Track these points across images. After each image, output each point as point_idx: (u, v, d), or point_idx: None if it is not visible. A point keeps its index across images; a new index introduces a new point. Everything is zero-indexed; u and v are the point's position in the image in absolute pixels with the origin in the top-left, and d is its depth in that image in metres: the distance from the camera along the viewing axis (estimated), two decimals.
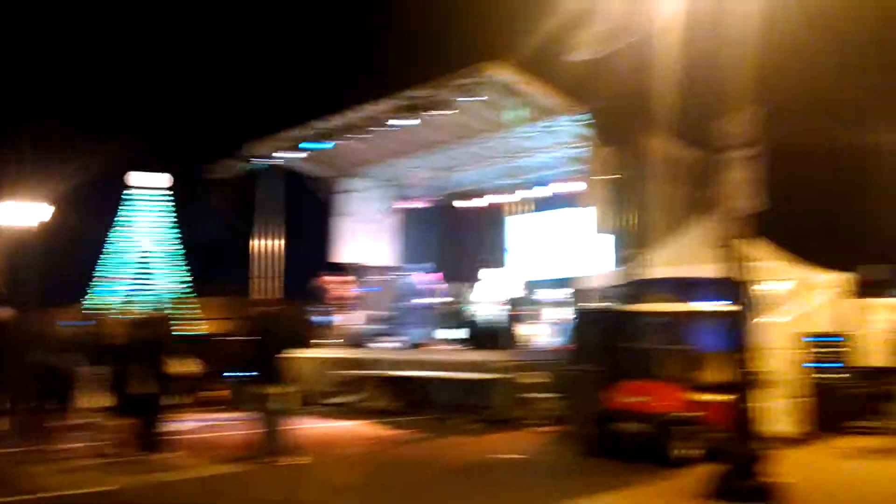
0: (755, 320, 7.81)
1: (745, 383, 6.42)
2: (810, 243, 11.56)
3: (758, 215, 6.25)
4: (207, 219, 17.34)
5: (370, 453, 9.24)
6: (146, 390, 8.42)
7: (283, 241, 17.13)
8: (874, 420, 10.44)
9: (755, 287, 9.58)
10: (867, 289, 12.73)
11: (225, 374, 15.93)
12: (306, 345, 15.16)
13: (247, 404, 12.44)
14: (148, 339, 8.42)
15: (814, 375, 10.12)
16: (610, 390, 8.90)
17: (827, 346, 10.07)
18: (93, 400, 11.59)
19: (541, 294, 15.46)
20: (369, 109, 14.01)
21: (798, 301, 10.92)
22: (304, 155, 15.96)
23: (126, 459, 8.28)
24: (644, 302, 10.73)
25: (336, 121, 14.66)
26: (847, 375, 10.26)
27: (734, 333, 6.42)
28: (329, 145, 15.31)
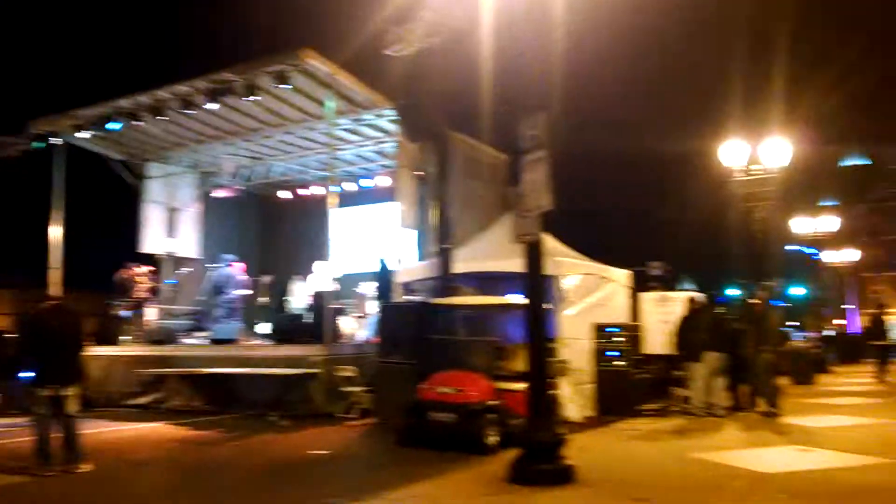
0: (552, 312, 8.36)
1: (541, 372, 6.81)
2: (599, 241, 12.58)
3: (550, 214, 6.64)
4: None
5: (172, 456, 8.73)
6: None
7: (75, 228, 15.70)
8: (657, 404, 11.57)
9: (552, 281, 10.26)
10: (650, 284, 14.09)
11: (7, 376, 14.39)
12: (103, 342, 14.05)
13: (27, 408, 11.34)
14: None
15: (602, 364, 11.00)
16: (421, 382, 9.11)
17: (614, 336, 10.98)
18: None
19: (357, 287, 15.48)
20: (176, 90, 13.21)
21: (588, 294, 11.82)
22: (98, 135, 14.74)
23: None
24: (452, 295, 11.10)
25: (139, 100, 13.67)
26: (632, 363, 11.25)
27: (533, 325, 6.78)
28: (126, 125, 14.25)
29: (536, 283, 6.87)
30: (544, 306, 6.99)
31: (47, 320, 7.71)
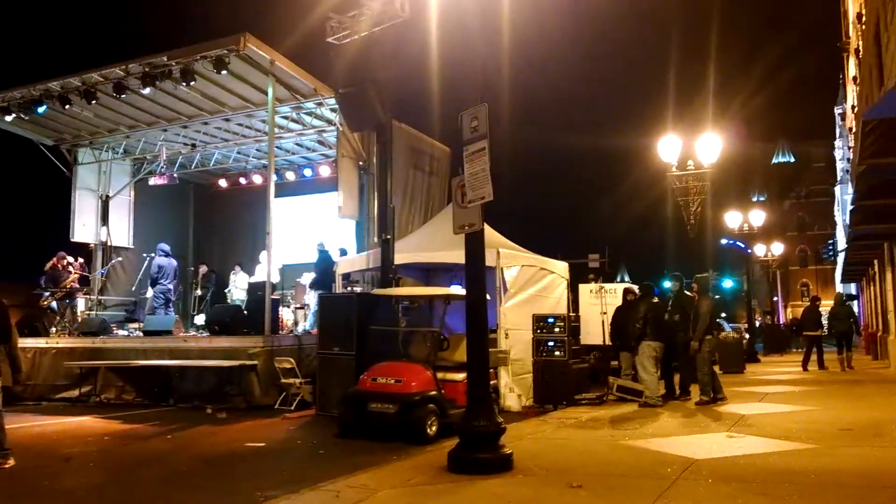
0: (493, 303, 8.41)
1: (480, 362, 6.85)
2: (539, 234, 12.71)
3: (491, 205, 6.67)
4: None
5: (102, 450, 8.46)
6: None
7: (3, 217, 15.10)
8: (594, 393, 11.79)
9: (493, 272, 10.33)
10: (589, 275, 14.34)
11: None
12: (30, 333, 13.54)
13: None
14: None
15: (541, 354, 11.14)
16: (361, 372, 9.07)
17: (553, 327, 11.12)
18: None
19: (298, 278, 15.32)
20: (108, 73, 12.81)
21: (529, 286, 11.95)
22: (24, 118, 14.17)
23: None
24: (394, 286, 11.08)
25: (70, 82, 13.21)
26: (571, 353, 11.41)
27: (472, 315, 6.81)
28: (54, 109, 13.75)
29: (477, 273, 6.89)
30: (485, 297, 7.00)
31: None
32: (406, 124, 14.45)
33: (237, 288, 16.00)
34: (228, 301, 15.56)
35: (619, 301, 12.31)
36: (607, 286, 13.58)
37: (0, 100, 13.92)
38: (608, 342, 12.30)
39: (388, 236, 11.43)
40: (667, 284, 12.74)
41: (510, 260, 11.47)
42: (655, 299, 11.92)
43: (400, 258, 11.65)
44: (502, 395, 10.61)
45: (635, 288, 12.57)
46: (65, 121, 15.32)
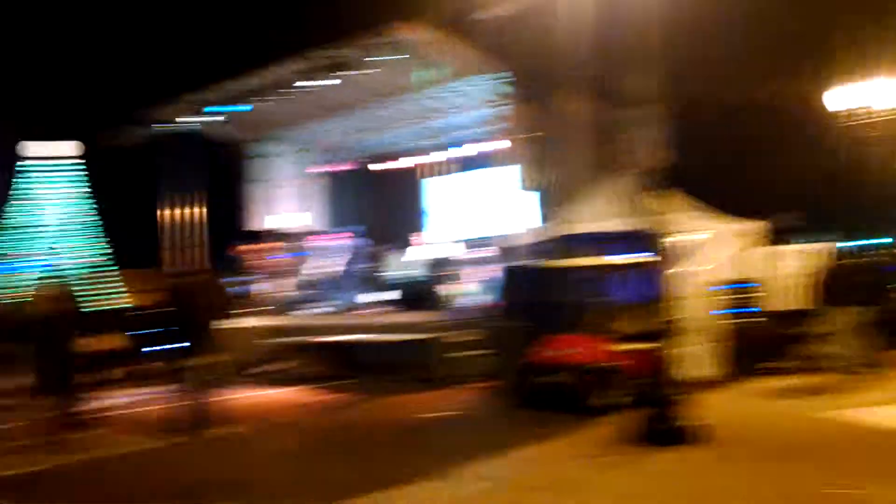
0: (672, 270, 8.06)
1: (661, 331, 6.63)
2: (723, 195, 11.98)
3: (670, 169, 6.40)
4: (116, 188, 16.75)
5: (303, 420, 9.21)
6: (59, 368, 8.11)
7: (197, 209, 16.67)
8: (787, 361, 11.00)
9: (671, 238, 9.90)
10: (778, 236, 13.34)
11: (149, 347, 15.57)
12: (227, 314, 14.88)
13: (174, 377, 12.24)
14: (50, 315, 8.04)
15: (729, 320, 10.54)
16: (535, 344, 9.09)
17: (741, 293, 10.49)
18: (10, 380, 11.19)
19: (468, 254, 15.58)
20: (280, 70, 13.64)
21: (713, 250, 11.31)
22: (213, 119, 15.45)
23: (54, 439, 8.01)
24: (566, 257, 10.95)
25: (246, 82, 14.22)
26: (761, 319, 10.72)
27: (650, 284, 6.60)
28: (240, 108, 14.88)
29: (655, 240, 6.66)
30: (663, 264, 6.75)
31: (187, 294, 8.24)
32: (571, 91, 14.12)
33: (412, 265, 16.49)
34: (405, 278, 16.10)
35: (822, 262, 11.32)
36: (802, 246, 12.54)
37: (193, 103, 15.28)
38: (805, 307, 11.38)
39: (563, 207, 11.30)
40: (880, 241, 11.53)
41: (690, 224, 10.90)
42: (866, 257, 10.82)
43: (572, 229, 11.48)
44: (685, 364, 10.17)
45: (839, 247, 11.49)
46: (249, 118, 16.44)
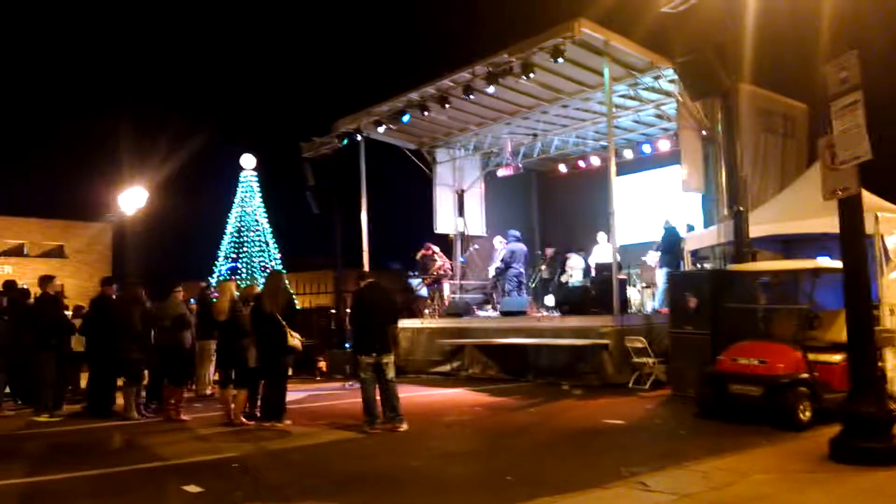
0: (873, 275, 7.36)
1: (863, 341, 6.08)
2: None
3: (866, 165, 5.85)
4: (301, 195, 17.88)
5: (475, 419, 9.35)
6: (260, 363, 8.79)
7: (376, 214, 17.47)
8: None
9: (871, 240, 9.05)
10: None
11: (329, 346, 16.55)
12: (407, 315, 15.46)
13: (352, 374, 12.90)
14: (261, 313, 8.75)
15: None
16: (720, 352, 8.66)
17: None
18: (210, 373, 12.31)
19: (642, 256, 15.16)
20: (457, 77, 13.97)
21: None
22: (394, 127, 16.13)
23: (244, 428, 8.73)
24: (749, 261, 10.34)
25: (426, 91, 14.72)
26: None
27: (852, 290, 6.07)
28: (417, 116, 15.40)
29: (855, 242, 6.13)
30: (865, 269, 6.19)
31: (367, 296, 8.65)
32: (752, 84, 13.35)
33: (580, 269, 16.32)
34: (573, 282, 15.96)
35: None
36: None
37: (372, 114, 16.05)
38: None
39: (741, 208, 10.70)
40: None
41: (893, 225, 9.94)
42: None
43: (755, 230, 10.83)
44: (890, 378, 9.27)
45: None
46: (423, 126, 17.07)
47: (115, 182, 24.74)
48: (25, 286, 11.75)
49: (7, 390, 10.99)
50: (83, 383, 10.89)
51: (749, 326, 8.88)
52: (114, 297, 10.64)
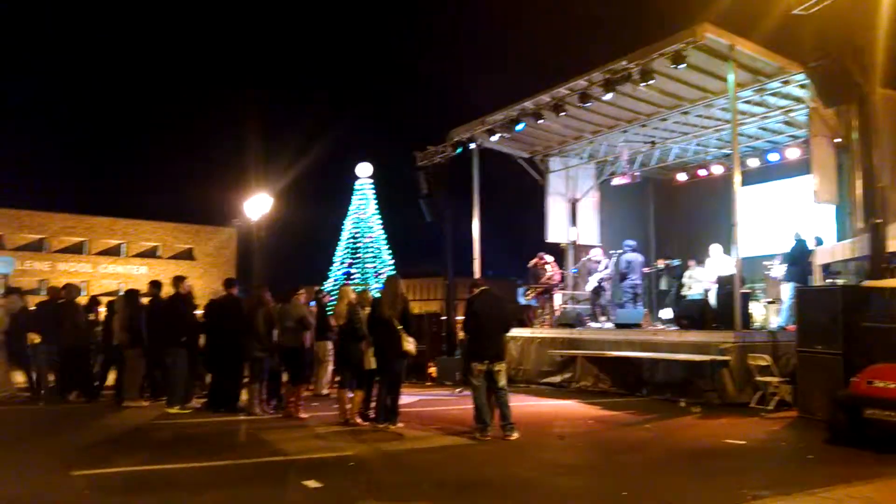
0: None
1: None
2: None
3: None
4: (414, 204, 18.26)
5: (588, 432, 9.18)
6: (376, 366, 9.00)
7: (487, 223, 17.55)
8: None
9: None
10: None
11: (439, 352, 16.72)
12: (520, 324, 15.41)
13: (462, 381, 12.98)
14: (379, 317, 8.96)
15: None
16: (854, 374, 8.11)
17: None
18: (327, 374, 12.72)
19: (766, 271, 14.46)
20: (574, 85, 13.84)
21: None
22: (508, 136, 16.16)
23: (359, 429, 8.97)
24: (889, 276, 9.65)
25: (541, 99, 14.67)
26: None
27: None
28: (531, 125, 15.36)
29: None
30: None
31: (480, 304, 8.69)
32: (893, 90, 12.48)
33: (699, 281, 15.74)
34: (691, 295, 15.42)
35: None
36: None
37: (486, 123, 16.15)
38: None
39: (878, 220, 10.01)
40: None
41: None
42: None
43: (893, 245, 10.11)
44: None
45: None
46: (537, 134, 17.01)
47: (242, 189, 26.12)
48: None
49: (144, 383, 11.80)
50: (209, 379, 11.49)
51: (887, 347, 8.28)
52: (237, 298, 11.21)
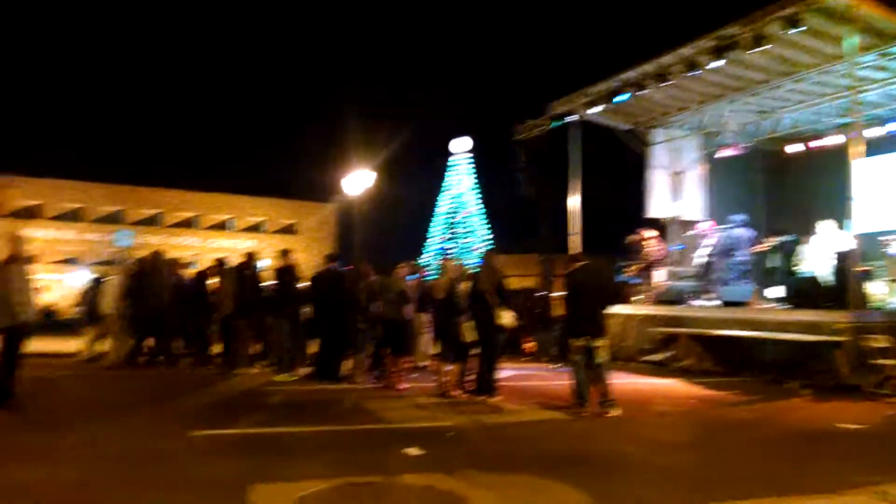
0: None
1: None
2: None
3: None
4: (512, 179, 18.17)
5: (690, 411, 8.99)
6: (476, 338, 9.11)
7: (588, 198, 17.22)
8: None
9: None
10: None
11: (535, 328, 16.67)
12: (621, 300, 15.14)
13: (558, 356, 12.93)
14: (477, 291, 9.05)
15: None
16: None
17: None
18: (427, 346, 12.96)
19: (883, 247, 13.59)
20: (680, 53, 13.33)
21: None
22: (609, 108, 15.78)
23: (457, 401, 9.11)
24: None
25: (644, 69, 14.22)
26: None
27: None
28: (633, 96, 14.93)
29: None
30: None
31: (581, 278, 8.61)
32: None
33: (811, 258, 14.96)
34: (802, 272, 14.69)
35: None
36: None
37: (587, 95, 15.82)
38: None
39: None
40: None
41: None
42: None
43: None
44: None
45: None
46: (639, 106, 16.49)
47: (343, 165, 26.74)
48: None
49: (250, 352, 12.40)
50: (311, 350, 11.92)
51: None
52: (340, 271, 11.56)
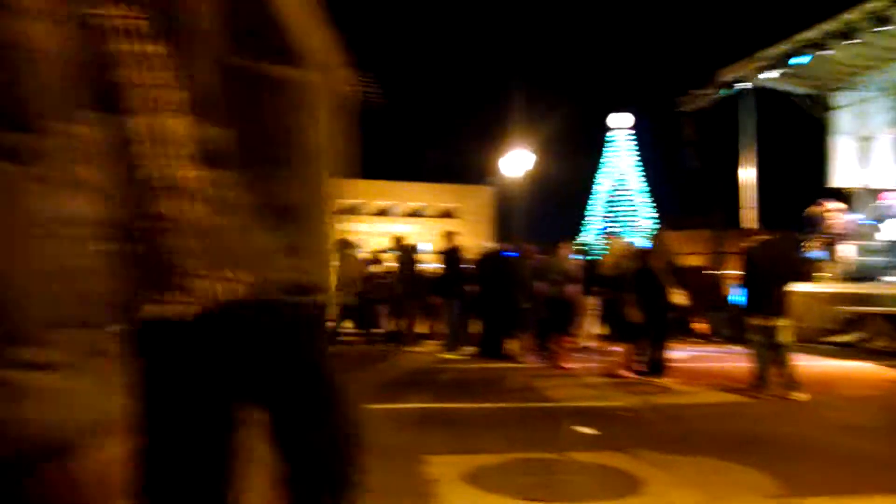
0: None
1: None
2: None
3: None
4: (680, 152, 17.42)
5: (883, 395, 8.30)
6: (645, 318, 8.92)
7: (763, 168, 16.23)
8: None
9: None
10: None
11: (705, 307, 15.95)
12: (804, 278, 14.18)
13: (731, 337, 12.35)
14: (647, 270, 8.85)
15: None
16: None
17: None
18: (593, 326, 12.85)
19: None
20: (867, 7, 12.19)
21: None
22: (785, 72, 14.74)
23: (626, 381, 8.98)
24: None
25: (825, 28, 13.14)
26: None
27: None
28: (814, 57, 13.84)
29: None
30: None
31: (761, 254, 8.18)
32: None
33: None
34: None
35: None
36: None
37: (759, 59, 14.86)
38: None
39: None
40: None
41: None
42: None
43: None
44: None
45: None
46: (818, 68, 15.26)
47: (501, 147, 26.91)
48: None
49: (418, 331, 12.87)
50: (473, 329, 12.17)
51: None
52: (503, 253, 11.70)
